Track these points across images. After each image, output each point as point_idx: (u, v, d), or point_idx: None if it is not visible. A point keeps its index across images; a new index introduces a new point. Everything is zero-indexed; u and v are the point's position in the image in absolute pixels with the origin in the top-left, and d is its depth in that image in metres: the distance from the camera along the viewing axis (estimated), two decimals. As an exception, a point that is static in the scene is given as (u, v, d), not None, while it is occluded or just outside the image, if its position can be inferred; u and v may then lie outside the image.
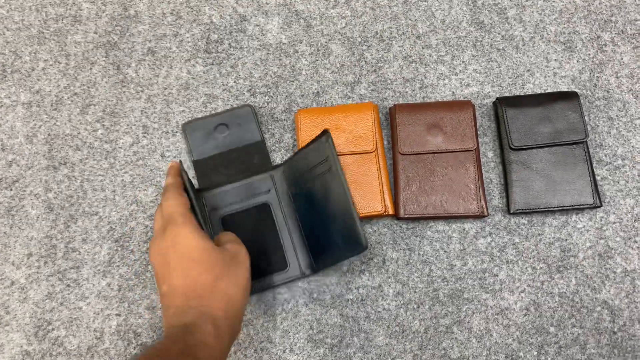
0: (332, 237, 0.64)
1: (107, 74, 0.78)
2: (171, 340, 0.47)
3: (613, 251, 0.68)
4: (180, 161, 0.61)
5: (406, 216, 0.69)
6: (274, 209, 0.70)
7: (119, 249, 0.70)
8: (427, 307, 0.67)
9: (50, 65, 0.78)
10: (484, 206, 0.68)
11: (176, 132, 0.75)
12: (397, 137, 0.71)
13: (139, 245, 0.70)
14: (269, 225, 0.70)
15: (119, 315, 0.67)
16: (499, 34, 0.78)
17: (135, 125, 0.75)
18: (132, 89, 0.77)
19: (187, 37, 0.79)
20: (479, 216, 0.68)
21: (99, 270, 0.69)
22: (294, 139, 0.74)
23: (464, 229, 0.70)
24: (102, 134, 0.75)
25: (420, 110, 0.72)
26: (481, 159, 0.72)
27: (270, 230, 0.69)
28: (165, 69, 0.78)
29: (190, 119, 0.75)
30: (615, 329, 0.66)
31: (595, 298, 0.67)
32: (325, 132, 0.64)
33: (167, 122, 0.75)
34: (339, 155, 0.70)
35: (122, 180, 0.73)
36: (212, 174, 0.72)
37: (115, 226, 0.71)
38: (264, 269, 0.68)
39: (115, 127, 0.75)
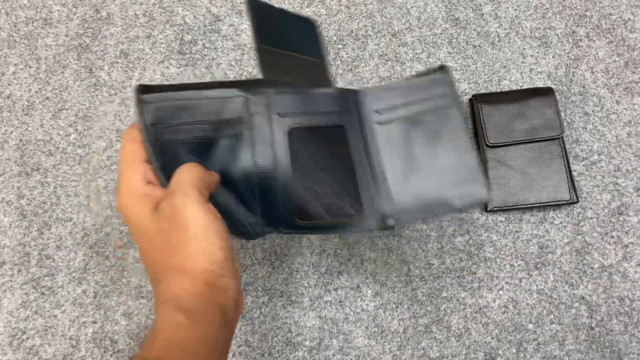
0: (438, 185, 0.52)
1: (79, 77, 0.76)
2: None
3: (590, 247, 0.68)
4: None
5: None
6: (350, 135, 0.53)
7: (94, 255, 0.69)
8: (405, 307, 0.67)
9: (21, 69, 0.76)
10: None
11: (150, 135, 0.74)
12: None
13: (115, 252, 0.69)
14: (345, 155, 0.52)
15: (95, 322, 0.67)
16: (475, 30, 0.78)
17: (108, 129, 0.74)
18: (105, 92, 0.76)
19: (161, 39, 0.78)
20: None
21: (74, 277, 0.68)
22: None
23: (442, 227, 0.69)
24: (75, 138, 0.74)
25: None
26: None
27: (347, 162, 0.52)
28: (139, 71, 0.77)
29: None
30: (593, 325, 0.66)
31: (573, 294, 0.67)
32: (444, 67, 0.54)
33: (141, 126, 0.74)
34: None
35: (96, 185, 0.72)
36: (278, 70, 0.51)
37: (90, 232, 0.70)
38: (329, 208, 0.50)
39: (88, 132, 0.74)
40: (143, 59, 0.77)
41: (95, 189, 0.71)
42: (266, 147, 0.48)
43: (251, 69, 0.77)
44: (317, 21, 0.69)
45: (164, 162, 0.43)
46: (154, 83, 0.70)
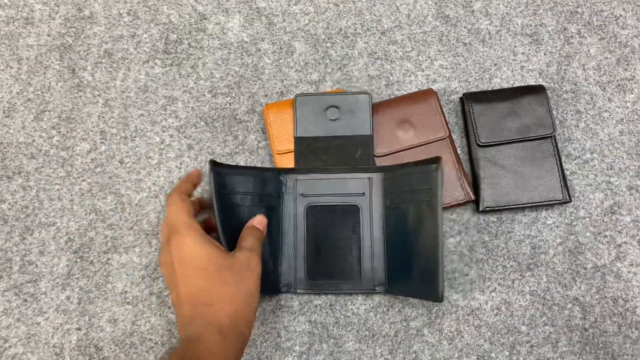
0: (411, 269, 0.60)
1: (61, 78, 0.75)
2: (176, 356, 0.48)
3: (583, 247, 0.68)
4: (207, 167, 0.61)
5: None
6: (362, 214, 0.66)
7: (79, 260, 0.67)
8: (397, 309, 0.66)
9: (2, 70, 0.75)
10: (469, 191, 0.67)
11: (135, 136, 0.72)
12: None
13: (99, 256, 0.67)
14: (353, 229, 0.66)
15: (79, 329, 0.65)
16: (465, 27, 0.77)
17: (92, 131, 0.72)
18: (88, 93, 0.74)
19: (145, 38, 0.77)
20: (467, 202, 0.67)
21: (57, 283, 0.67)
22: (258, 140, 0.72)
23: (433, 229, 0.68)
24: (57, 141, 0.72)
25: (387, 108, 0.70)
26: (449, 157, 0.71)
27: (352, 235, 0.66)
28: (123, 71, 0.75)
29: (304, 92, 0.73)
30: (587, 326, 0.65)
31: (566, 295, 0.66)
32: (437, 160, 0.59)
33: (126, 127, 0.73)
34: None
35: (80, 188, 0.70)
36: (310, 156, 0.68)
37: (74, 237, 0.68)
38: (331, 272, 0.65)
39: (71, 134, 0.72)
40: (127, 58, 0.76)
41: (79, 192, 0.70)
42: (290, 218, 0.66)
43: (238, 68, 0.75)
44: (370, 94, 0.70)
45: (223, 217, 0.58)
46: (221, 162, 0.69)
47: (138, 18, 0.77)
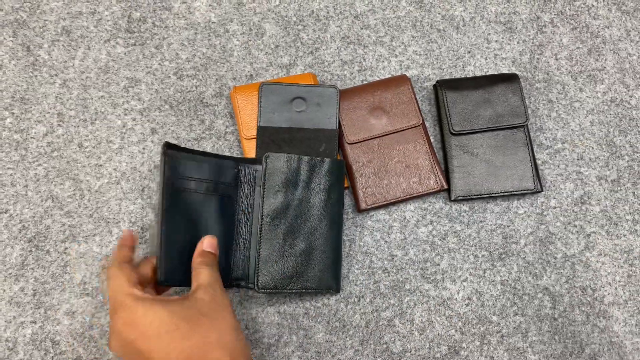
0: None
1: (15, 56, 0.70)
2: None
3: (553, 236, 0.68)
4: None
5: (369, 207, 0.65)
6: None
7: (33, 249, 0.64)
8: (368, 300, 0.64)
9: (-51, 46, 0.70)
10: (442, 179, 0.66)
11: (95, 120, 0.68)
12: (342, 125, 0.68)
13: (56, 245, 0.64)
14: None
15: (34, 322, 0.61)
16: (439, 13, 0.75)
17: (49, 113, 0.68)
18: (44, 72, 0.70)
19: (107, 15, 0.73)
20: (440, 190, 0.66)
21: (10, 274, 0.63)
22: (225, 125, 0.69)
23: (405, 218, 0.67)
24: (11, 123, 0.67)
25: (359, 94, 0.69)
26: (422, 145, 0.70)
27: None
28: (82, 50, 0.71)
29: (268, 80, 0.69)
30: (556, 315, 0.65)
31: (537, 285, 0.66)
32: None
33: (85, 109, 0.69)
34: None
35: (36, 174, 0.66)
36: (272, 146, 0.66)
37: (29, 224, 0.64)
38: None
39: (26, 116, 0.68)
40: (87, 37, 0.72)
41: (34, 178, 0.66)
42: (245, 209, 0.62)
43: (205, 50, 0.72)
44: (338, 88, 0.68)
45: (170, 204, 0.54)
46: (175, 143, 0.64)
47: (99, -6, 0.73)
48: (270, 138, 0.66)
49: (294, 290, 0.60)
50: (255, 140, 0.66)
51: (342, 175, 0.64)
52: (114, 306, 0.47)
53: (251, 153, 0.66)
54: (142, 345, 0.45)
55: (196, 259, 0.54)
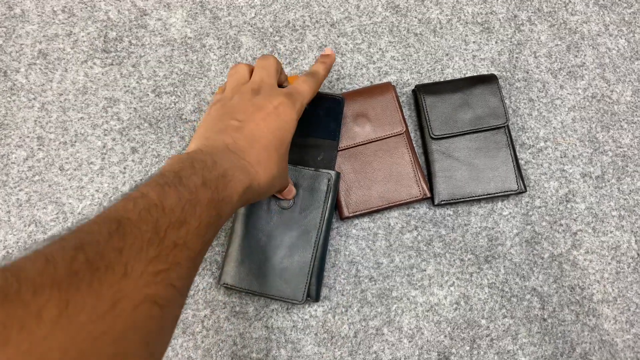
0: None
1: (-7, 81, 0.70)
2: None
3: (540, 236, 0.67)
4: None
5: (351, 215, 0.65)
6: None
7: (18, 275, 0.63)
8: (355, 309, 0.64)
9: None
10: (424, 188, 0.65)
11: (75, 142, 0.68)
12: None
13: (41, 270, 0.64)
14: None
15: (21, 348, 0.61)
16: (416, 17, 0.75)
17: (28, 137, 0.68)
18: (22, 96, 0.70)
19: (82, 36, 0.73)
20: (423, 199, 0.66)
21: (-4, 300, 0.63)
22: (206, 141, 0.69)
23: (390, 224, 0.67)
24: (-10, 149, 0.68)
25: None
26: (404, 150, 0.69)
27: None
28: (60, 72, 0.71)
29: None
30: (545, 316, 0.65)
31: (525, 286, 0.65)
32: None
33: (65, 132, 0.69)
34: None
35: (18, 199, 0.66)
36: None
37: (12, 250, 0.64)
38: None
39: (5, 141, 0.68)
40: (64, 59, 0.72)
41: (17, 203, 0.66)
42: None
43: (182, 65, 0.72)
44: (343, 99, 0.67)
45: None
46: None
47: (74, 15, 0.73)
48: None
49: (256, 293, 0.61)
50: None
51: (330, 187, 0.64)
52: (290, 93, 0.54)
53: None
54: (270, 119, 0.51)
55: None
